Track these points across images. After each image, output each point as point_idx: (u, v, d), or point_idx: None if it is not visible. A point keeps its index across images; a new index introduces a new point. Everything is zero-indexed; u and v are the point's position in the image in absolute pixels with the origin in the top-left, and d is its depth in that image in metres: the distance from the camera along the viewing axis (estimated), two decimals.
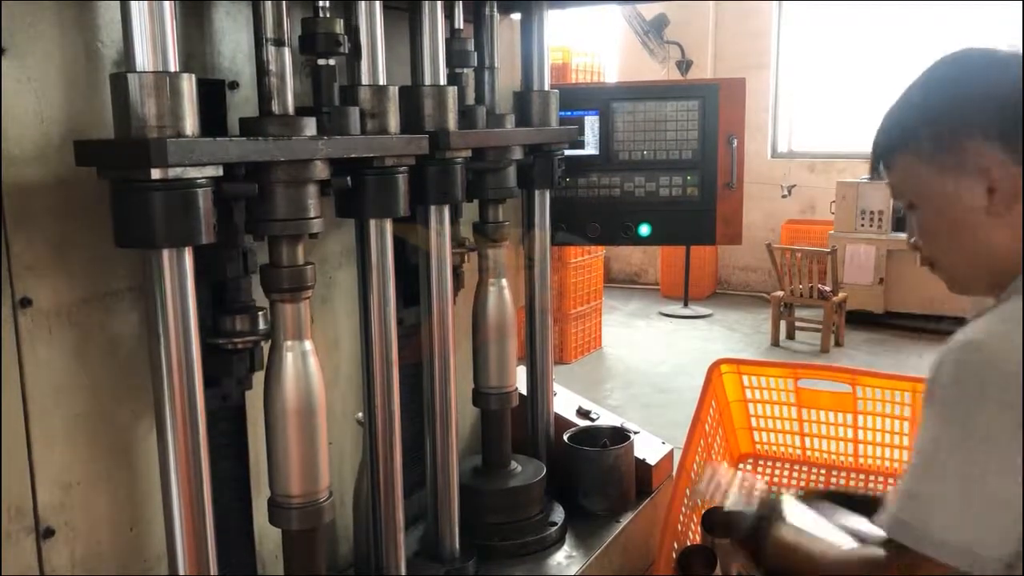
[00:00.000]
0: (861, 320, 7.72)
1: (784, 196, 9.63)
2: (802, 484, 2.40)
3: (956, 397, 1.11)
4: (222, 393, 1.42)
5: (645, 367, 7.14)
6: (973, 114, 1.19)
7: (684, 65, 9.88)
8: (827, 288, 7.35)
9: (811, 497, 1.53)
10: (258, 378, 1.42)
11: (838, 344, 7.51)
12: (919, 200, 1.26)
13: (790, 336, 7.80)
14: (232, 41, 1.49)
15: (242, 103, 1.50)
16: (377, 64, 1.50)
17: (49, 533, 1.23)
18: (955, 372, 1.11)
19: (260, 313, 1.41)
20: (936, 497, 1.10)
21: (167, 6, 1.11)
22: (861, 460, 2.33)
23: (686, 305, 9.16)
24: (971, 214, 1.20)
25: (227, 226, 1.37)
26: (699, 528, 2.09)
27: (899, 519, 1.13)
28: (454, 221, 1.88)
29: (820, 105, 9.44)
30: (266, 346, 1.41)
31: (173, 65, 1.12)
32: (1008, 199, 1.17)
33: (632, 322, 8.84)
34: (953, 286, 1.31)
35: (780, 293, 7.58)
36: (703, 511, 2.07)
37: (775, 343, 7.68)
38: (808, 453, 2.41)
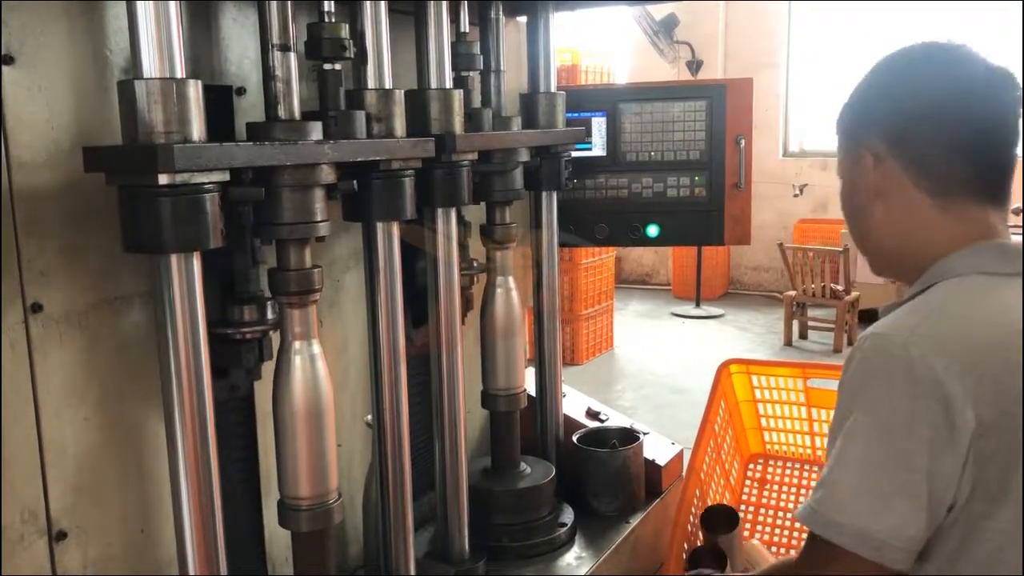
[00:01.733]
0: (874, 319, 7.65)
1: (796, 195, 9.60)
2: (812, 484, 2.40)
3: (861, 387, 1.15)
4: (231, 383, 1.44)
5: (657, 368, 7.14)
6: (872, 108, 1.29)
7: (694, 65, 9.88)
8: (839, 287, 7.33)
9: None
10: (267, 378, 1.43)
11: (851, 343, 7.47)
12: (840, 174, 1.36)
13: (803, 336, 7.78)
14: (239, 47, 1.50)
15: (249, 108, 1.51)
16: (383, 68, 1.50)
17: (61, 536, 1.24)
18: (861, 363, 1.16)
19: (268, 303, 1.42)
20: (839, 483, 1.14)
21: (173, 13, 1.12)
22: None
23: (698, 305, 9.15)
24: (859, 195, 1.30)
25: (236, 223, 1.38)
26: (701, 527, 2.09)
27: (809, 506, 1.17)
28: (463, 241, 1.89)
29: (831, 104, 9.40)
30: (275, 336, 1.42)
31: (180, 71, 1.13)
32: (874, 190, 1.27)
33: (644, 323, 8.83)
34: (871, 267, 1.39)
35: (792, 293, 7.56)
36: (702, 510, 2.08)
37: (788, 343, 7.67)
38: (818, 453, 2.41)
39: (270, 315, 1.42)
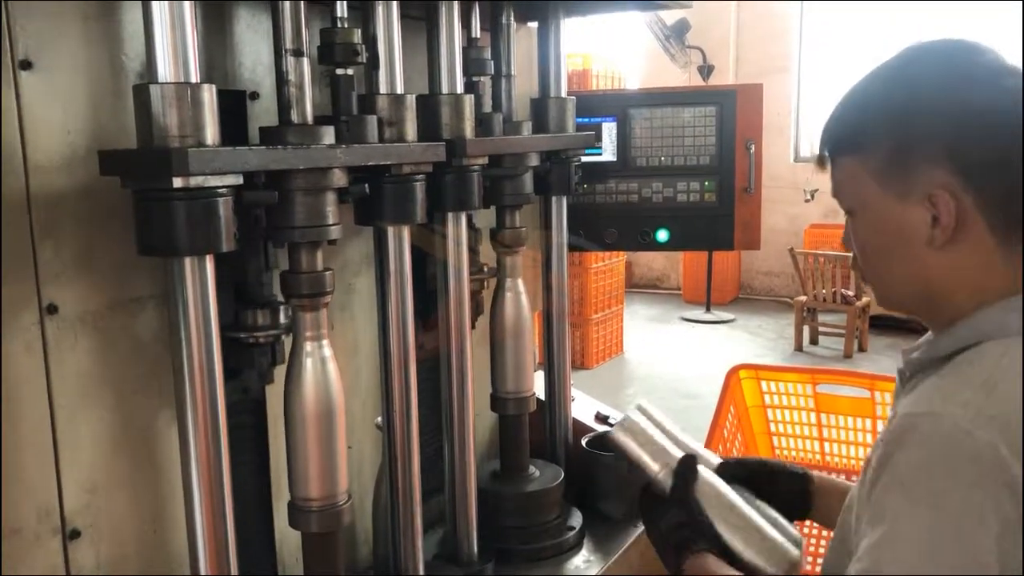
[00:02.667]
0: (885, 325, 7.67)
1: (807, 200, 9.59)
2: None
3: (921, 476, 1.01)
4: (243, 386, 1.45)
5: (667, 372, 7.14)
6: (931, 133, 1.09)
7: (706, 70, 9.89)
8: (850, 293, 7.31)
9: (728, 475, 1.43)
10: (279, 381, 1.44)
11: (862, 349, 7.47)
12: (857, 208, 1.18)
13: (813, 341, 7.77)
14: (253, 52, 1.52)
15: (263, 113, 1.53)
16: (395, 73, 1.52)
17: (75, 534, 1.26)
18: (919, 449, 1.01)
19: (281, 308, 1.44)
20: None
21: (188, 18, 1.13)
22: None
23: (708, 310, 9.15)
24: (911, 241, 1.12)
25: (249, 228, 1.40)
26: None
27: None
28: (474, 246, 1.90)
29: None
30: (287, 340, 1.43)
31: (194, 76, 1.14)
32: (952, 232, 1.09)
33: (654, 327, 8.83)
34: (882, 302, 1.23)
35: (803, 298, 7.55)
36: None
37: (798, 348, 7.65)
38: (827, 458, 2.41)
39: (283, 319, 1.43)
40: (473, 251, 1.89)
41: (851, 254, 1.24)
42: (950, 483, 0.98)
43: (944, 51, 1.14)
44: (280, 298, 1.45)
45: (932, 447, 1.00)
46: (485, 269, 1.97)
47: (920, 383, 1.14)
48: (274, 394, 1.48)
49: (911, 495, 1.00)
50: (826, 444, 2.39)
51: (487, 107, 1.93)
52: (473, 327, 1.79)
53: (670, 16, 9.36)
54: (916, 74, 1.13)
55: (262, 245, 1.44)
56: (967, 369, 1.07)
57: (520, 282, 2.00)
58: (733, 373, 2.37)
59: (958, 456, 0.99)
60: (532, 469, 2.07)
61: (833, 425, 2.36)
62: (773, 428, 2.45)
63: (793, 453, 2.46)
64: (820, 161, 1.25)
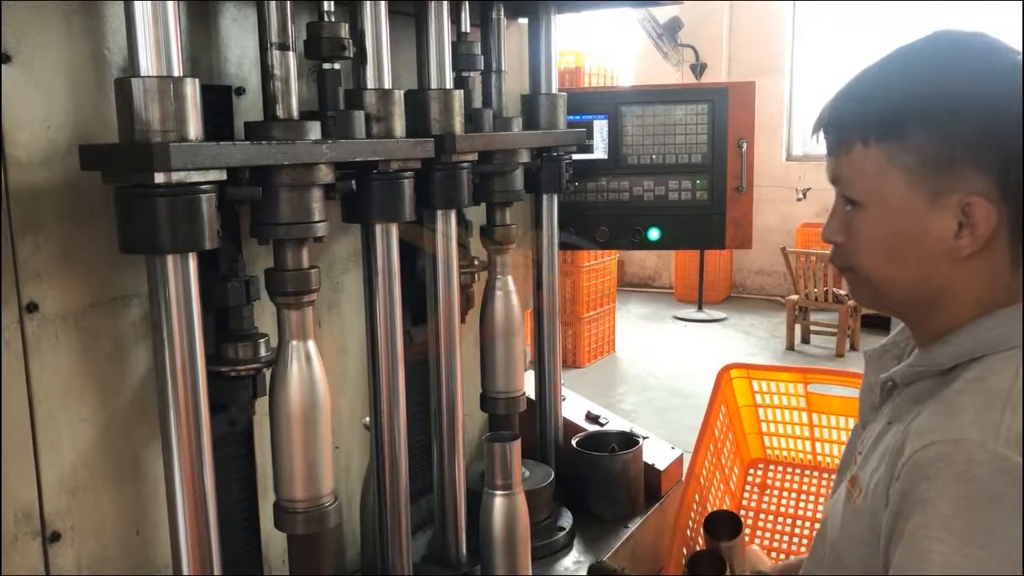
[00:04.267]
0: (877, 324, 7.66)
1: (799, 199, 9.58)
2: (812, 490, 2.39)
3: (967, 512, 0.93)
4: (228, 419, 1.44)
5: (659, 371, 7.13)
6: (981, 137, 1.01)
7: (698, 68, 9.88)
8: (842, 292, 7.31)
9: None
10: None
11: (853, 348, 7.47)
12: (870, 202, 1.09)
13: (805, 340, 7.77)
14: (239, 47, 1.49)
15: (249, 108, 1.50)
16: (382, 68, 1.50)
17: (55, 537, 1.24)
18: (959, 484, 0.94)
19: (262, 340, 1.42)
20: None
21: (171, 11, 1.11)
22: None
23: (700, 309, 9.15)
24: (928, 246, 1.05)
25: (230, 254, 1.39)
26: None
27: None
28: (464, 240, 1.88)
29: None
30: (268, 372, 1.41)
31: (177, 70, 1.12)
32: (978, 242, 1.03)
33: (646, 326, 8.82)
34: (866, 301, 1.17)
35: (795, 297, 7.55)
36: (702, 515, 2.07)
37: (790, 347, 7.65)
38: (819, 458, 2.40)
39: (263, 352, 1.41)
40: (463, 245, 1.87)
41: (831, 246, 1.16)
42: (999, 517, 0.92)
43: (982, 47, 1.07)
44: (261, 331, 1.43)
45: (973, 478, 0.94)
46: (476, 262, 1.96)
47: (918, 400, 1.09)
48: (261, 402, 1.46)
49: (960, 535, 0.93)
50: (818, 444, 2.38)
51: (477, 103, 1.92)
52: (463, 320, 1.76)
53: (663, 14, 9.35)
54: (961, 70, 1.05)
55: (243, 279, 1.41)
56: (981, 386, 1.01)
57: (511, 280, 1.98)
58: (724, 372, 2.35)
59: (1004, 485, 0.93)
60: (522, 469, 2.05)
61: (825, 425, 2.34)
62: (764, 428, 2.43)
63: (784, 453, 2.45)
64: (816, 133, 1.15)
